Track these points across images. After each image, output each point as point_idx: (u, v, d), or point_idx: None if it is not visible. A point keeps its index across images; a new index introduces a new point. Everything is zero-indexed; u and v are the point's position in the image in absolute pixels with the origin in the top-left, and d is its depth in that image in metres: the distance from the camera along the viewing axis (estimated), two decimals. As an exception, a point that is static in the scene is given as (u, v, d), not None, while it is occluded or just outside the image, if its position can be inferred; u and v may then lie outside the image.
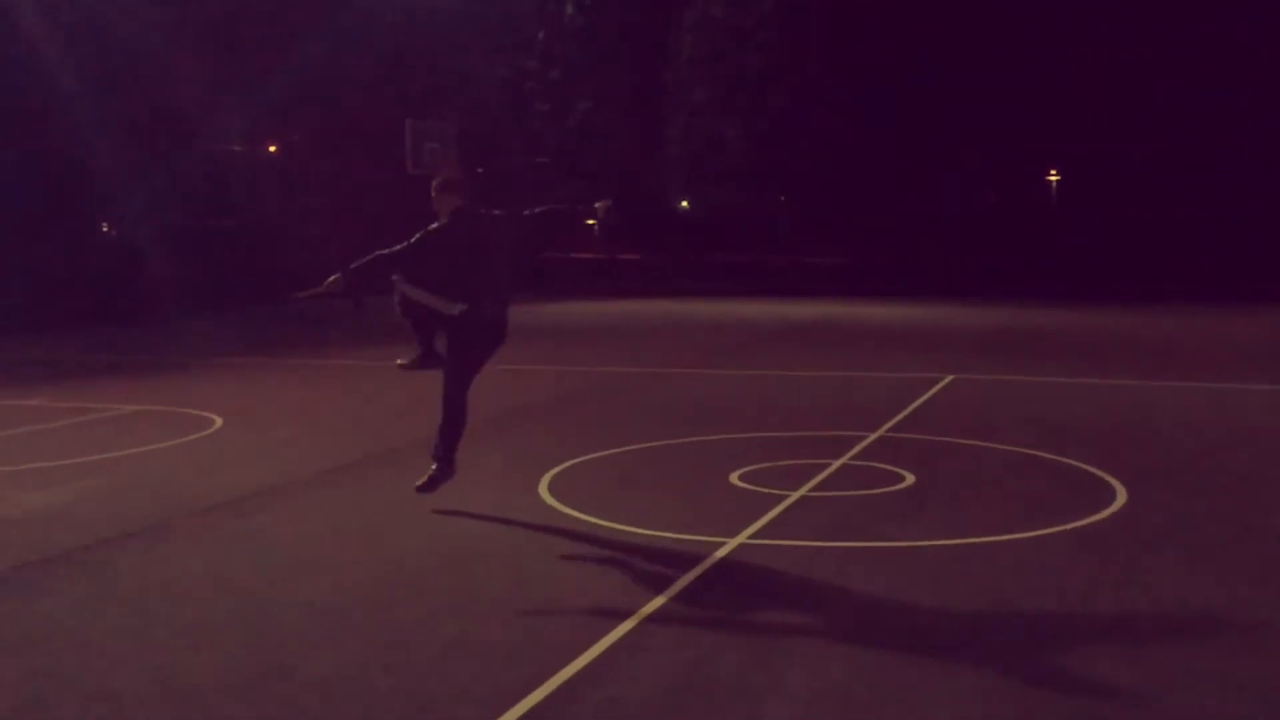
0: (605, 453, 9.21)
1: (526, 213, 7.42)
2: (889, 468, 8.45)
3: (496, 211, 7.41)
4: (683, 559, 6.18)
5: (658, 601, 5.49)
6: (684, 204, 43.88)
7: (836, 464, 8.64)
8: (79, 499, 7.79)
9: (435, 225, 7.07)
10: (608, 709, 4.35)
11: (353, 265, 6.95)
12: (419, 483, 7.23)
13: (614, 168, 41.29)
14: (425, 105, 31.92)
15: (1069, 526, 6.82)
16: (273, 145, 36.31)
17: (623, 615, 5.27)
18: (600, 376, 14.40)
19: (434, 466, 7.23)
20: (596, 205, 7.49)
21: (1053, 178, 41.74)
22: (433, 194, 7.17)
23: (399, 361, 7.52)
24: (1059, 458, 8.85)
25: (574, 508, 7.35)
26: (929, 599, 5.57)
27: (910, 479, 8.10)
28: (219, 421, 10.88)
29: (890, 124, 37.08)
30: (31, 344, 19.05)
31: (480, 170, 36.91)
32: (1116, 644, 4.98)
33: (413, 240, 7.00)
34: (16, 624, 5.33)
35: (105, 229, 31.31)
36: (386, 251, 7.01)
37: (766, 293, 33.18)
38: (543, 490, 7.87)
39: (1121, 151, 36.84)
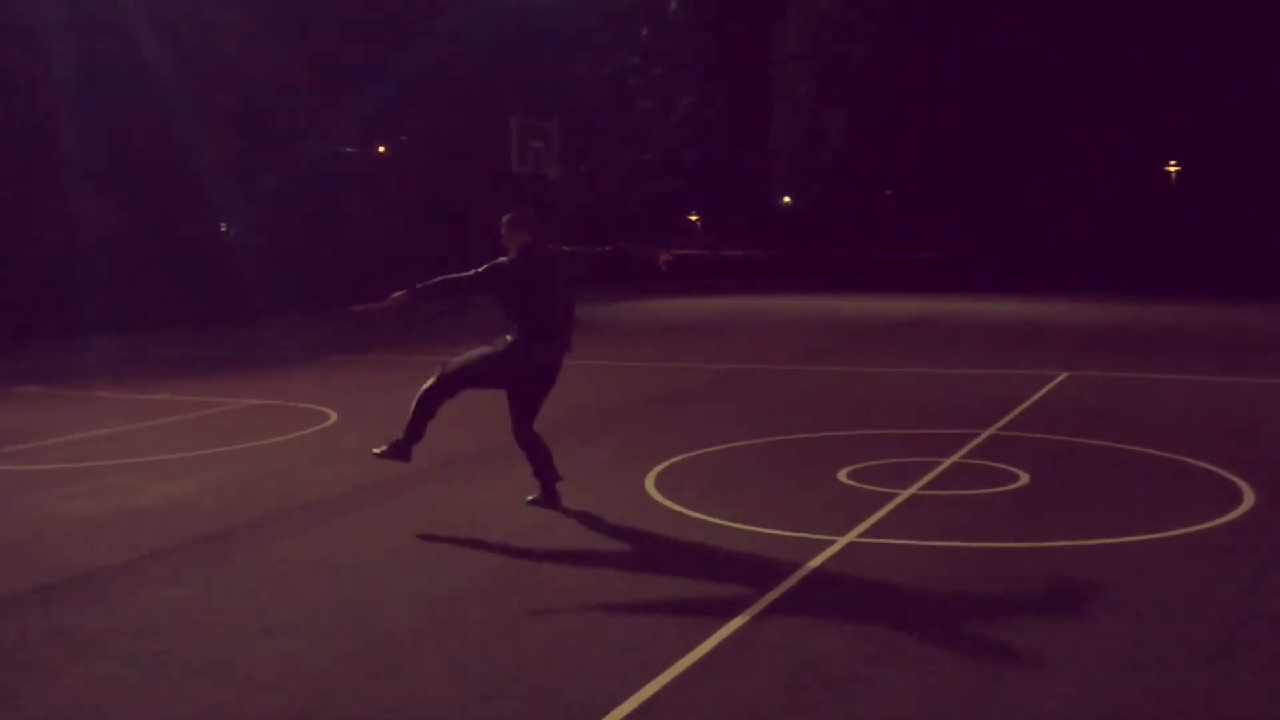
0: (711, 449, 9.21)
1: (590, 250, 7.47)
2: (1002, 466, 8.29)
3: (566, 248, 7.44)
4: (792, 557, 6.14)
5: (768, 599, 5.47)
6: (786, 199, 43.59)
7: (947, 462, 8.50)
8: (203, 490, 8.07)
9: (503, 260, 7.18)
10: (722, 705, 4.35)
11: (419, 285, 7.11)
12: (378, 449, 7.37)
13: (716, 163, 41.25)
14: (529, 104, 32.24)
15: (1191, 530, 6.60)
16: (381, 147, 37.08)
17: (733, 612, 5.27)
18: (705, 373, 14.40)
19: (400, 438, 7.30)
20: (661, 258, 7.51)
21: (1172, 169, 40.38)
22: (502, 229, 7.26)
23: (374, 450, 7.45)
24: (1181, 458, 8.57)
25: (681, 503, 7.37)
26: (1043, 602, 5.45)
27: (1024, 478, 7.92)
28: (333, 416, 11.16)
29: (998, 115, 36.29)
30: (155, 341, 19.80)
31: (583, 167, 37.20)
32: (1232, 659, 4.80)
33: (480, 270, 7.15)
34: (147, 610, 5.54)
35: (223, 229, 32.33)
36: (453, 276, 7.18)
37: (871, 288, 32.79)
38: (649, 485, 7.90)
39: (1243, 141, 35.48)
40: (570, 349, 7.34)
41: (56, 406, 12.21)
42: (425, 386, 7.28)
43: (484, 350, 7.28)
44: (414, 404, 7.31)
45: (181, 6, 24.78)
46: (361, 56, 29.89)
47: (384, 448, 7.38)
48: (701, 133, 41.30)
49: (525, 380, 7.19)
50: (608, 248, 7.55)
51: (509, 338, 7.15)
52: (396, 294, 7.20)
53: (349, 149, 33.21)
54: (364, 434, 10.27)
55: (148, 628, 5.28)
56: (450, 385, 7.29)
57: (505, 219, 7.30)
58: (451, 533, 6.87)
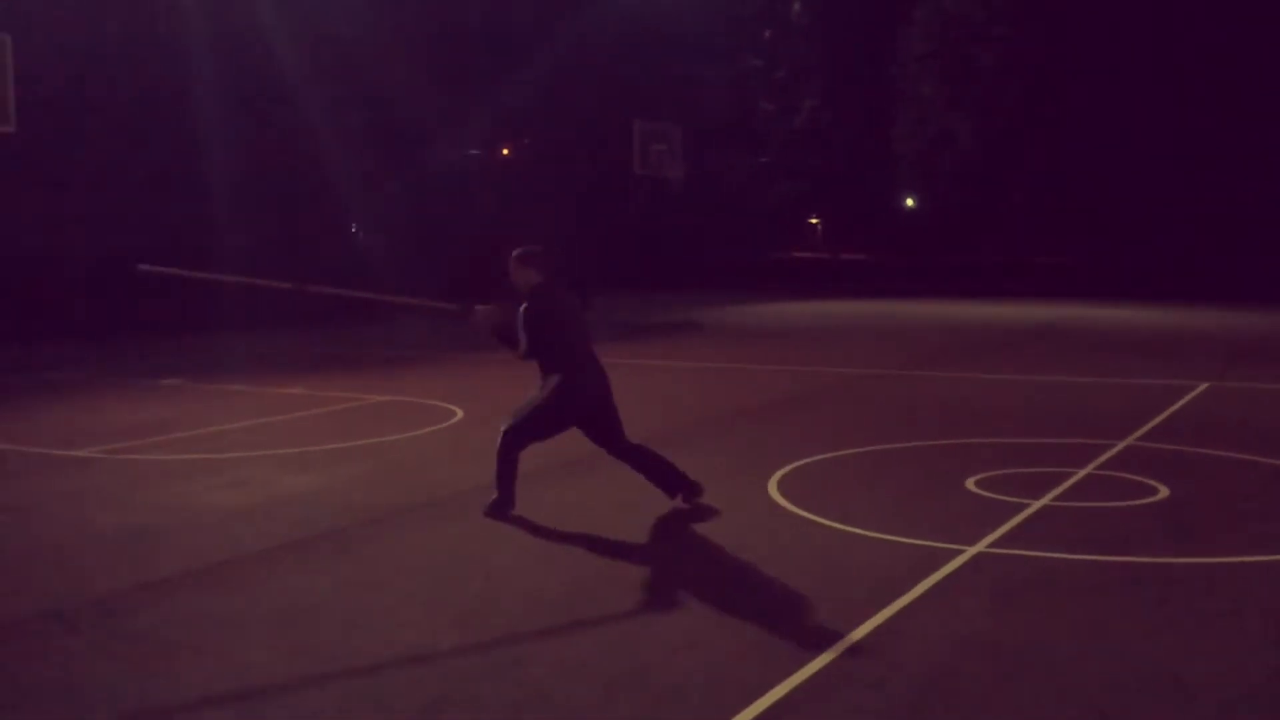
0: (833, 454, 9.10)
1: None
2: (1139, 479, 8.00)
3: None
4: (918, 565, 6.03)
5: (894, 608, 5.37)
6: (910, 202, 42.89)
7: (1081, 473, 8.24)
8: (335, 483, 8.31)
9: (523, 307, 7.09)
10: (847, 716, 4.29)
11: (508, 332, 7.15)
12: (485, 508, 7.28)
13: (838, 166, 40.84)
14: (652, 107, 32.41)
15: (1348, 549, 6.27)
16: (506, 149, 37.68)
17: (857, 621, 5.19)
18: (825, 377, 14.25)
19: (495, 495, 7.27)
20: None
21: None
22: (510, 266, 7.22)
23: (483, 511, 7.33)
24: (1334, 474, 8.15)
25: (804, 508, 7.30)
26: (1184, 621, 5.24)
27: (1164, 491, 7.63)
28: (460, 413, 11.38)
29: (1133, 117, 35.06)
30: (289, 338, 20.46)
31: (702, 171, 37.13)
32: None
33: (525, 332, 7.06)
34: (285, 598, 5.73)
35: (354, 230, 33.26)
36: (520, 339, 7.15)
37: (998, 294, 32.03)
38: (772, 489, 7.85)
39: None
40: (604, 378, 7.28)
41: (197, 400, 12.72)
42: (499, 449, 7.20)
43: (536, 402, 7.20)
44: (497, 466, 7.23)
45: (315, 21, 25.59)
46: (488, 63, 30.45)
47: (488, 507, 7.30)
48: (823, 136, 40.92)
49: (588, 415, 7.19)
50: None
51: (554, 380, 7.11)
52: (460, 306, 7.40)
53: (474, 151, 33.82)
54: (489, 432, 10.43)
55: (284, 616, 5.45)
56: (520, 445, 7.22)
57: (515, 254, 7.23)
58: (573, 531, 6.93)
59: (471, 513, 7.42)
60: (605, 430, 7.32)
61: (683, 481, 7.32)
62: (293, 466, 8.86)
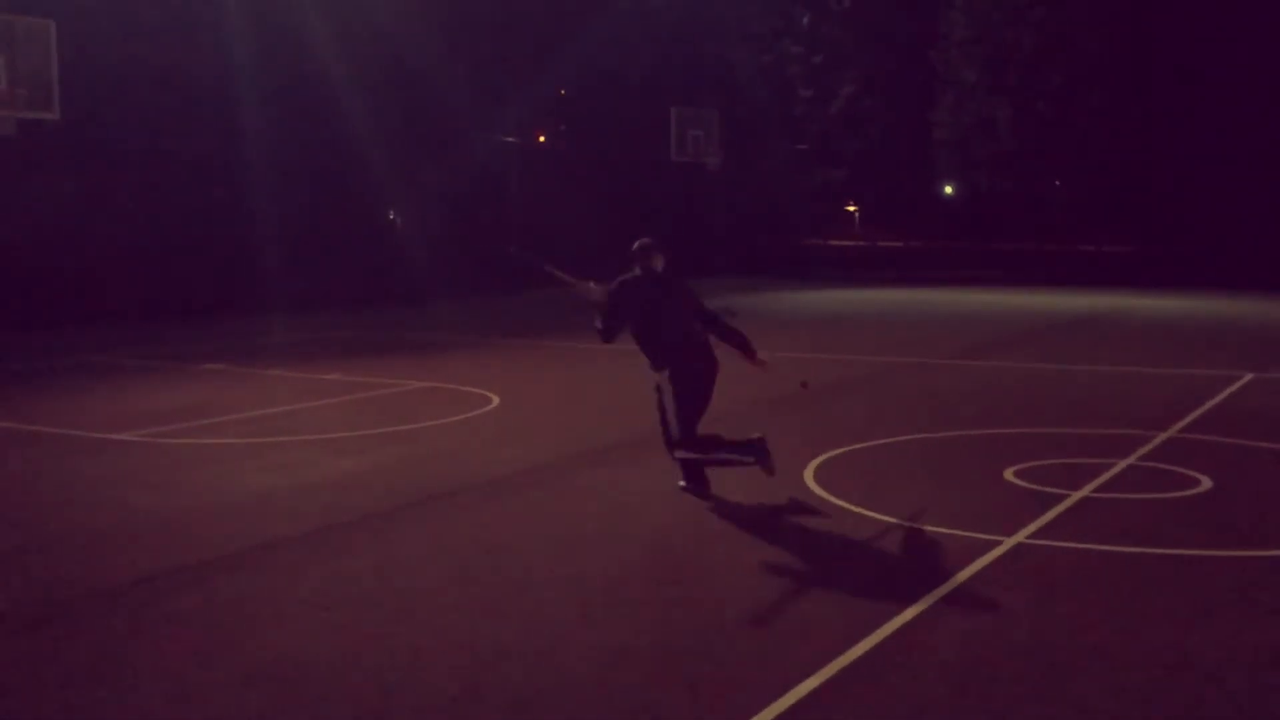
0: (870, 443, 9.06)
1: (698, 302, 7.64)
2: (1182, 470, 7.90)
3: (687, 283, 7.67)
4: (956, 555, 5.99)
5: (931, 598, 5.35)
6: (949, 189, 42.48)
7: (1122, 464, 8.15)
8: (374, 468, 8.37)
9: (610, 288, 7.42)
10: (884, 705, 4.28)
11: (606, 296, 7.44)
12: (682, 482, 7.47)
13: (876, 153, 40.53)
14: (689, 93, 32.31)
15: (1396, 544, 6.16)
16: (542, 136, 37.70)
17: (894, 611, 5.17)
18: (863, 365, 14.17)
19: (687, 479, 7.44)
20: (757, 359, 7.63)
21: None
22: (634, 250, 7.52)
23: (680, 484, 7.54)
24: (1382, 467, 8.01)
25: (841, 497, 7.27)
26: (1227, 614, 5.17)
27: (1206, 483, 7.54)
28: (496, 400, 11.42)
29: (1178, 102, 34.51)
30: (328, 323, 20.61)
31: (740, 157, 36.98)
32: None
33: (604, 314, 7.42)
34: (324, 582, 5.78)
35: (391, 217, 33.44)
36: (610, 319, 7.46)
37: (1038, 282, 31.71)
38: (808, 478, 7.82)
39: None
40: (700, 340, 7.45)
41: (238, 384, 12.84)
42: (690, 457, 7.32)
43: (667, 400, 7.34)
44: (706, 462, 7.36)
45: (355, 10, 25.71)
46: (525, 48, 30.47)
47: (685, 484, 7.47)
48: (861, 122, 40.60)
49: (688, 379, 7.29)
50: (711, 314, 7.64)
51: (664, 373, 7.29)
52: (587, 283, 7.57)
53: (510, 139, 33.87)
54: (525, 418, 10.49)
55: (323, 599, 5.50)
56: (691, 433, 7.29)
57: (637, 245, 7.58)
58: (609, 518, 6.95)
59: (507, 499, 7.46)
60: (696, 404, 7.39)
61: (700, 478, 7.40)
62: (331, 451, 8.94)
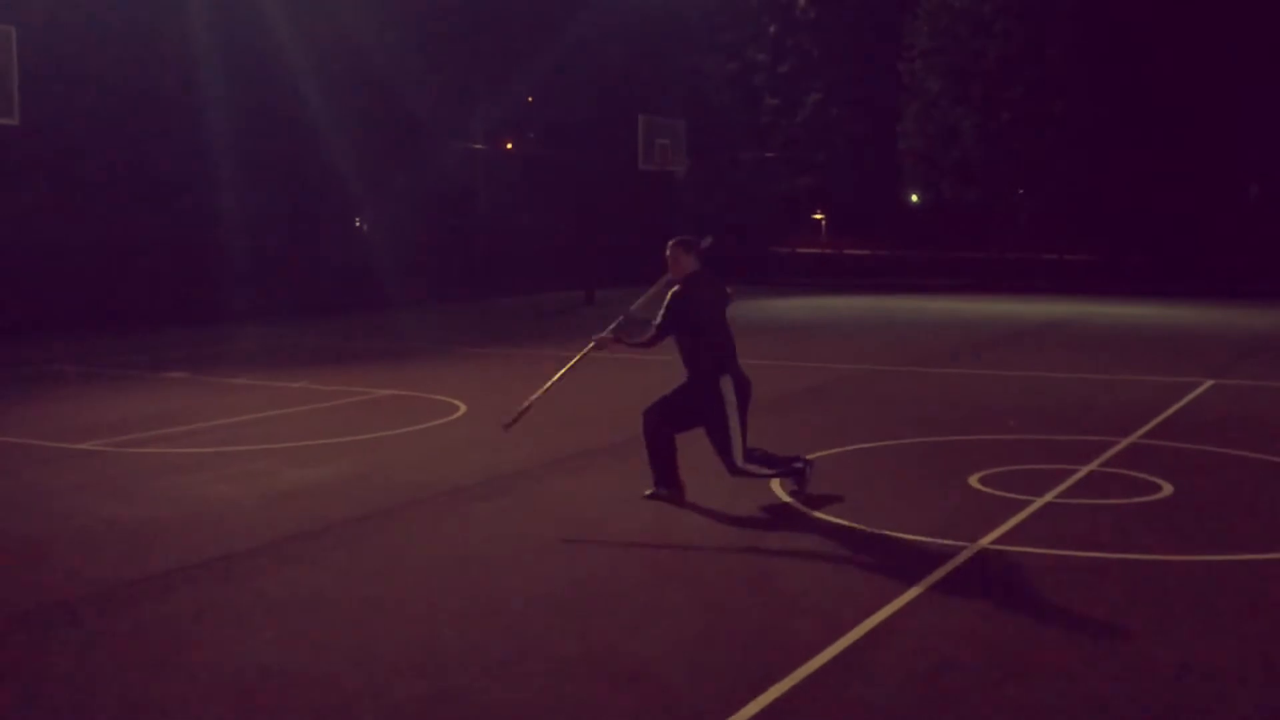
0: (839, 450, 9.10)
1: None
2: (1143, 476, 8.00)
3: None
4: (921, 561, 6.04)
5: (895, 605, 5.38)
6: (914, 198, 42.78)
7: (1084, 470, 8.24)
8: (339, 477, 8.32)
9: (673, 291, 7.31)
10: (848, 710, 4.30)
11: (609, 331, 7.51)
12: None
13: (842, 161, 40.78)
14: (657, 101, 32.38)
15: (1351, 548, 6.27)
16: (509, 143, 37.65)
17: (860, 617, 5.20)
18: (831, 373, 14.24)
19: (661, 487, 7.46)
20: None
21: (1326, 169, 38.32)
22: (668, 252, 7.44)
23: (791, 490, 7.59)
24: (1337, 473, 8.15)
25: (808, 505, 7.30)
26: (1187, 618, 5.24)
27: (1167, 489, 7.63)
28: (463, 408, 11.38)
29: (1139, 114, 34.98)
30: (294, 331, 20.48)
31: (707, 166, 37.11)
32: None
33: (664, 311, 7.29)
34: (289, 591, 5.74)
35: (358, 224, 33.28)
36: (637, 316, 7.43)
37: (1003, 290, 32.01)
38: (775, 486, 7.85)
39: None
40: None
41: (201, 392, 12.73)
42: (747, 471, 7.32)
43: (684, 395, 7.38)
44: (765, 474, 7.42)
45: (322, 16, 25.57)
46: (492, 56, 30.43)
47: (794, 486, 7.51)
48: (827, 130, 40.85)
49: (727, 394, 7.26)
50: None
51: (726, 380, 7.24)
52: (589, 345, 7.70)
53: (478, 145, 33.82)
54: (490, 426, 10.45)
55: (288, 609, 5.46)
56: (745, 446, 7.29)
57: (672, 242, 7.49)
58: (576, 527, 6.94)
59: (474, 508, 7.44)
60: (689, 416, 7.35)
61: (677, 483, 7.42)
62: (297, 460, 8.88)
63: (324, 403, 11.86)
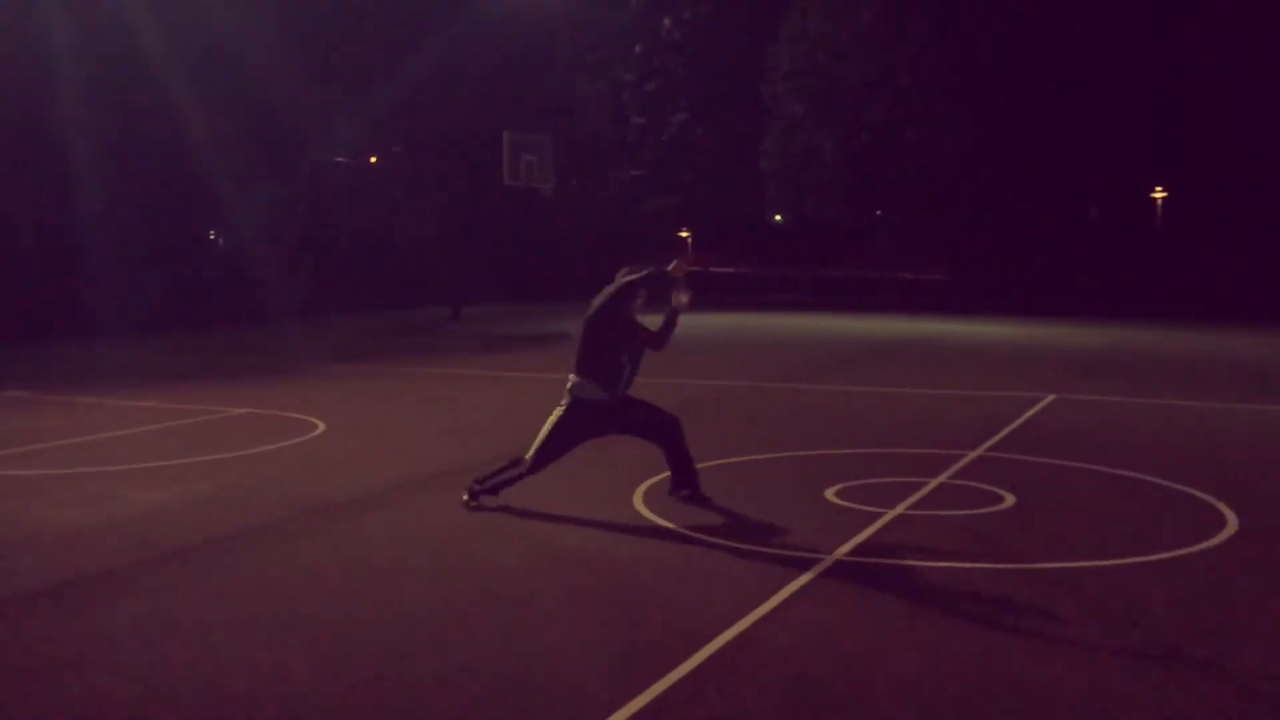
0: (699, 465, 9.20)
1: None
2: (988, 488, 8.33)
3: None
4: (778, 575, 6.16)
5: (753, 617, 5.49)
6: (778, 217, 43.71)
7: (934, 482, 8.54)
8: (190, 499, 8.06)
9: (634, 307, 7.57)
10: (704, 722, 4.37)
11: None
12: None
13: (708, 180, 41.40)
14: (523, 118, 32.37)
15: (1175, 554, 6.64)
16: (374, 157, 37.11)
17: (717, 630, 5.28)
18: (692, 390, 14.42)
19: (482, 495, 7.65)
20: (680, 299, 7.91)
21: (1159, 195, 40.66)
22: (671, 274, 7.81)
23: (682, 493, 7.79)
24: (1165, 482, 8.62)
25: (669, 520, 7.39)
26: (1030, 623, 5.48)
27: (1010, 500, 7.97)
28: (322, 426, 11.15)
29: (990, 139, 36.51)
30: (146, 348, 19.75)
31: (574, 183, 37.27)
32: (1219, 679, 4.84)
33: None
34: (134, 618, 5.53)
35: (213, 237, 32.33)
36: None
37: (862, 308, 32.89)
38: (637, 502, 7.92)
39: (1230, 167, 35.75)
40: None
41: (45, 412, 12.18)
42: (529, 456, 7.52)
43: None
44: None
45: (186, 12, 24.78)
46: (358, 69, 29.99)
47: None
48: (693, 150, 41.45)
49: (595, 421, 7.55)
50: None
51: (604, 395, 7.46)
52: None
53: (341, 159, 33.25)
54: (350, 444, 10.27)
55: (133, 636, 5.27)
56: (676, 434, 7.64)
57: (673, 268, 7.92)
58: (435, 546, 6.88)
59: (330, 528, 7.29)
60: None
61: (496, 490, 7.61)
62: (145, 482, 8.57)
63: (175, 421, 11.48)
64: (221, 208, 27.85)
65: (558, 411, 7.52)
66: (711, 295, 37.56)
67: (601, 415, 7.51)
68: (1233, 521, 7.36)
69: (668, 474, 8.30)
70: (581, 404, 7.46)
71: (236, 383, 14.97)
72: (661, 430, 7.67)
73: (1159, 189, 40.16)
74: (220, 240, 32.20)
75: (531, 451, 7.53)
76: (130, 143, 24.23)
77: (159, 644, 5.17)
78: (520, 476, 7.59)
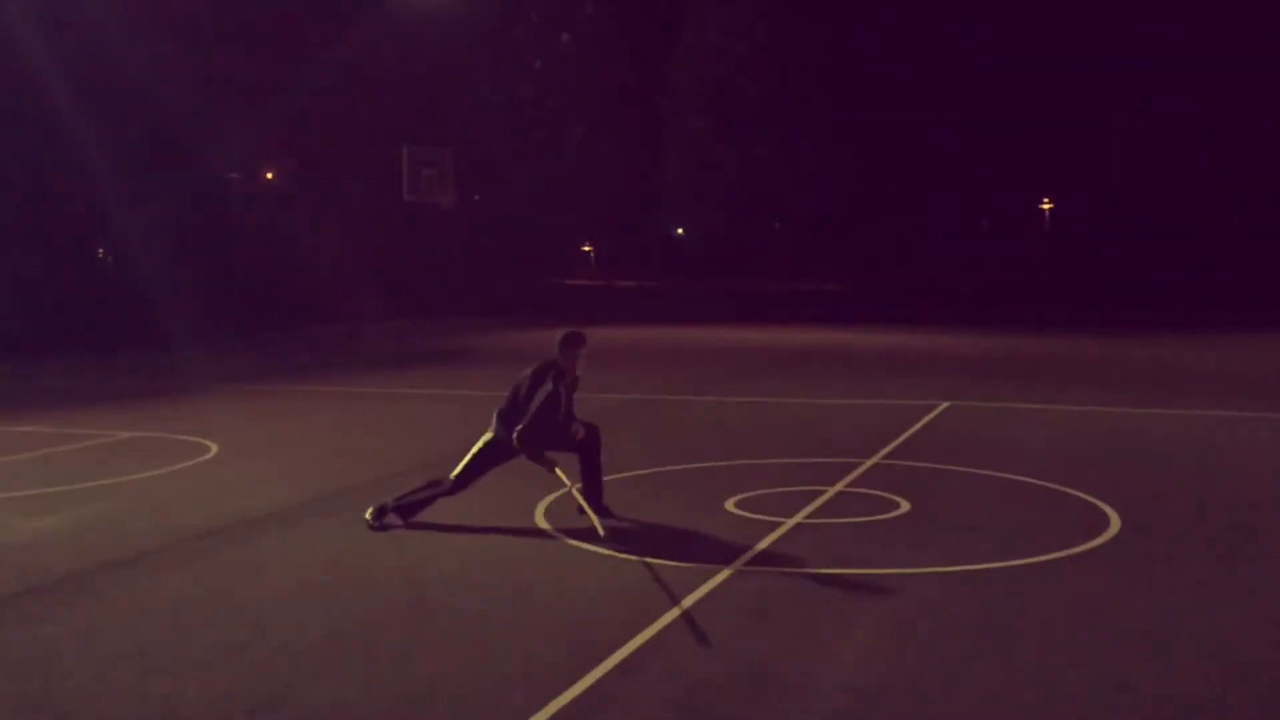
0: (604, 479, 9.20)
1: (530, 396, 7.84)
2: (884, 495, 8.48)
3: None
4: (679, 586, 6.19)
5: (654, 629, 5.50)
6: (679, 231, 44.04)
7: (832, 491, 8.67)
8: (75, 525, 7.79)
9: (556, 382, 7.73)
10: (604, 736, 4.36)
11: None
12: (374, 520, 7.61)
13: (609, 194, 41.55)
14: (422, 132, 32.13)
15: (1063, 554, 6.84)
16: (270, 172, 36.43)
17: (619, 642, 5.28)
18: (594, 403, 14.40)
19: (394, 514, 7.60)
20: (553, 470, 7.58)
21: (1045, 205, 41.99)
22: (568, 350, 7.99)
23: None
24: (1053, 485, 8.88)
25: (569, 534, 7.37)
26: (925, 627, 5.59)
27: (905, 506, 8.12)
28: (214, 448, 10.88)
29: (884, 151, 37.33)
30: (26, 370, 19.06)
31: (476, 198, 37.08)
32: (1108, 671, 5.00)
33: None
34: (15, 650, 5.32)
35: (101, 255, 31.37)
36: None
37: (761, 319, 33.27)
38: (539, 517, 7.88)
39: (1114, 178, 37.09)
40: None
41: (-83, 440, 11.67)
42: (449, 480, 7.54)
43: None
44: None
45: (71, 19, 24.02)
46: (251, 80, 29.41)
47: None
48: (594, 164, 41.56)
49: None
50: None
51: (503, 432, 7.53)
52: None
53: (234, 175, 32.57)
54: (243, 467, 10.04)
55: (19, 669, 5.07)
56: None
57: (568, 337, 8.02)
58: (331, 568, 6.76)
59: (223, 552, 7.12)
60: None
61: (411, 514, 7.57)
62: (26, 509, 8.26)
63: (58, 447, 11.09)
64: (110, 225, 27.04)
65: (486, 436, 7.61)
66: (615, 309, 37.65)
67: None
68: (1116, 523, 7.62)
69: (569, 488, 8.30)
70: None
71: (125, 405, 14.53)
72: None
73: (1046, 200, 41.49)
74: (110, 259, 31.26)
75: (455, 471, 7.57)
76: (14, 159, 23.39)
77: (48, 675, 4.98)
78: (437, 497, 7.55)
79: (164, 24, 26.56)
